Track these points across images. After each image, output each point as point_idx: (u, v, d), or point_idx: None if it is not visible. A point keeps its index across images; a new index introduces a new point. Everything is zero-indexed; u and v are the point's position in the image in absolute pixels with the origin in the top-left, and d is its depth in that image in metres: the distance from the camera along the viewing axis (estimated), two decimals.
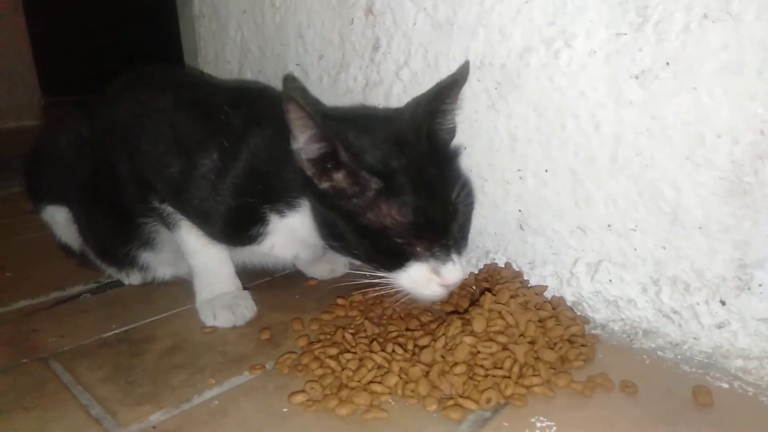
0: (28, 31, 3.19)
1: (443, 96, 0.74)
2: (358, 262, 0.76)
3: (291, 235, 0.81)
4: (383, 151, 0.70)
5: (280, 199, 0.77)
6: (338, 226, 0.72)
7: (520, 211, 0.84)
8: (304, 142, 0.69)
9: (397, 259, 0.70)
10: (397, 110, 0.82)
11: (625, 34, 0.68)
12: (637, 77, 0.68)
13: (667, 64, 0.66)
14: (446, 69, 0.87)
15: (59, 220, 1.00)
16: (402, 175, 0.68)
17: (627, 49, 0.69)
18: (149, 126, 0.82)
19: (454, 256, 0.70)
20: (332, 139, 0.67)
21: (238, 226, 0.80)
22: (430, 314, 0.81)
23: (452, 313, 0.80)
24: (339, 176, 0.70)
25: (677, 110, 0.66)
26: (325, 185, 0.71)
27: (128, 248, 0.93)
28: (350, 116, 0.78)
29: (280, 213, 0.78)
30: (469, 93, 0.84)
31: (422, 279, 0.69)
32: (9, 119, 3.20)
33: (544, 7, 0.75)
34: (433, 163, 0.71)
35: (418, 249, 0.69)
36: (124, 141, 0.83)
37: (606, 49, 0.70)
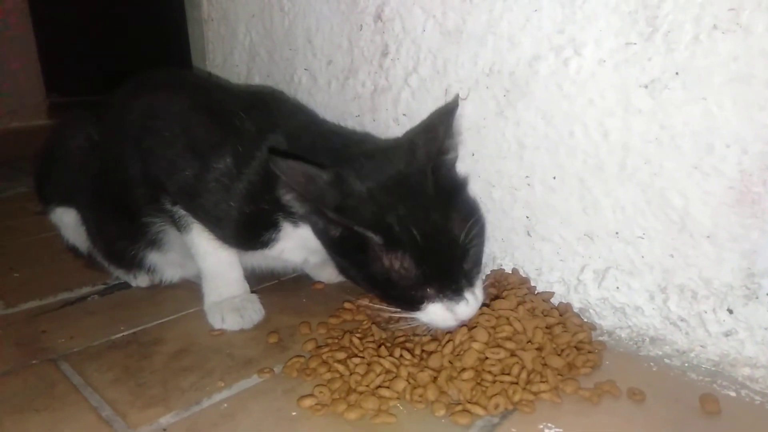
0: (34, 31, 3.21)
1: (441, 134, 0.71)
2: None
3: (301, 242, 0.81)
4: (380, 203, 0.68)
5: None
6: (346, 266, 0.73)
7: (527, 217, 0.84)
8: (290, 201, 0.70)
9: (411, 303, 0.70)
10: (396, 142, 0.80)
11: (635, 43, 0.69)
12: (646, 86, 0.69)
13: (677, 74, 0.67)
14: (455, 76, 0.87)
15: (68, 221, 1.01)
16: (400, 227, 0.66)
17: (636, 58, 0.69)
18: (163, 128, 0.82)
19: (467, 293, 0.69)
20: (315, 202, 0.67)
21: (250, 231, 0.80)
22: None
23: None
24: (338, 230, 0.70)
25: (686, 120, 0.67)
26: (330, 228, 0.71)
27: (136, 249, 0.94)
28: (352, 154, 0.75)
29: (294, 223, 0.79)
30: (477, 100, 0.85)
31: (439, 316, 0.69)
32: (14, 119, 3.21)
33: (554, 15, 0.75)
34: (439, 207, 0.69)
35: (430, 292, 0.68)
36: (138, 142, 0.84)
37: (615, 58, 0.71)
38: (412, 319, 0.73)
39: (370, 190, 0.70)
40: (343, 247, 0.72)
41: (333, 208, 0.68)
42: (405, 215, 0.67)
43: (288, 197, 0.69)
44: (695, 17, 0.64)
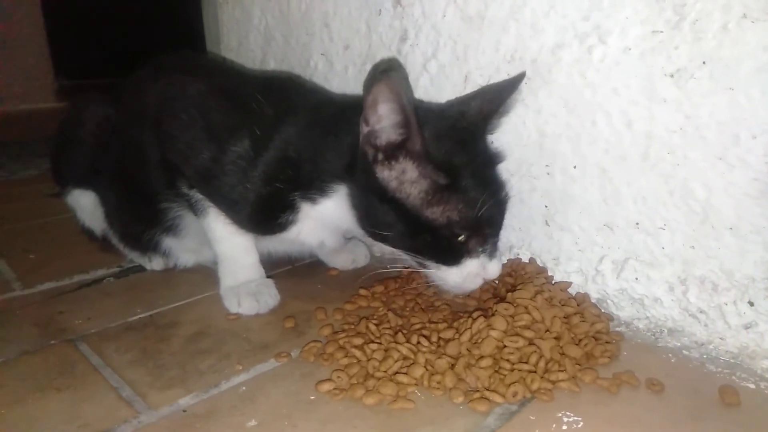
0: (43, 14, 3.19)
1: (503, 98, 0.76)
2: (400, 253, 0.76)
3: (320, 221, 0.81)
4: (447, 147, 0.70)
5: (313, 186, 0.78)
6: (389, 217, 0.72)
7: (546, 206, 0.84)
8: (384, 125, 0.68)
9: (451, 255, 0.72)
10: (442, 106, 0.81)
11: (662, 31, 0.68)
12: (672, 75, 0.68)
13: (704, 63, 0.66)
14: (475, 62, 0.86)
15: (84, 204, 1.01)
16: (466, 172, 0.70)
17: (663, 47, 0.68)
18: (181, 111, 0.82)
19: (498, 252, 0.74)
20: (414, 127, 0.67)
21: (266, 214, 0.80)
22: (448, 307, 0.82)
23: (477, 309, 0.80)
24: (405, 166, 0.70)
25: (712, 110, 0.66)
26: (385, 173, 0.71)
27: (152, 233, 0.94)
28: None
29: (312, 200, 0.79)
30: None
31: (472, 274, 0.73)
32: (23, 102, 3.21)
33: (579, 2, 0.74)
34: (489, 163, 0.75)
35: (472, 245, 0.72)
36: (155, 126, 0.84)
37: (641, 47, 0.70)
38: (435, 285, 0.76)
39: (438, 133, 0.71)
40: (395, 190, 0.71)
41: (421, 136, 0.67)
42: (468, 162, 0.70)
43: (387, 120, 0.67)
44: (724, 6, 0.63)
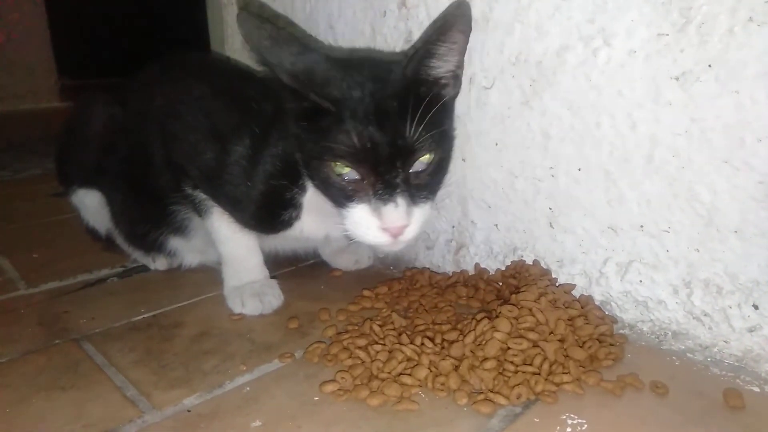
0: (47, 14, 3.20)
1: (432, 38, 0.68)
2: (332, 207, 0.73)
3: (318, 211, 0.80)
4: (346, 82, 0.67)
5: (301, 175, 0.77)
6: (301, 162, 0.73)
7: (550, 209, 0.84)
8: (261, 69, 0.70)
9: (343, 196, 0.68)
10: None
11: (667, 34, 0.68)
12: (677, 78, 0.68)
13: (709, 66, 0.66)
14: (479, 64, 0.86)
15: (89, 203, 1.01)
16: (353, 104, 0.66)
17: (668, 49, 0.68)
18: (186, 113, 0.82)
19: (400, 200, 0.66)
20: (272, 61, 0.66)
21: (269, 212, 0.80)
22: (452, 308, 0.82)
23: (481, 311, 0.80)
24: (293, 104, 0.69)
25: (718, 113, 0.66)
26: (289, 116, 0.72)
27: (159, 233, 0.94)
28: (353, 59, 0.78)
29: (305, 189, 0.78)
30: (502, 89, 0.84)
31: (363, 221, 0.68)
32: (26, 101, 3.22)
33: (584, 4, 0.74)
34: (398, 98, 0.67)
35: (364, 185, 0.67)
36: (160, 128, 0.84)
37: (646, 49, 0.70)
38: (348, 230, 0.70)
39: (348, 74, 0.68)
40: (299, 125, 0.71)
41: (286, 72, 0.65)
42: (361, 96, 0.66)
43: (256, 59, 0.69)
44: (730, 9, 0.63)
